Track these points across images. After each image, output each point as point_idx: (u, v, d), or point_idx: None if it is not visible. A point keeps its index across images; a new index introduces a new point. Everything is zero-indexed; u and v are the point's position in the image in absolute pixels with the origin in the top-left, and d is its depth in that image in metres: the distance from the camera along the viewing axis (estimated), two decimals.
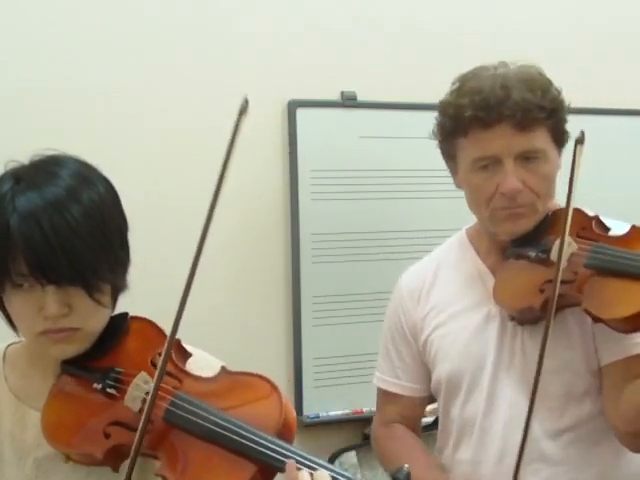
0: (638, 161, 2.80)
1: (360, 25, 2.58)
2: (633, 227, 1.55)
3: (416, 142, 2.61)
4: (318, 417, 2.54)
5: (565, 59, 2.61)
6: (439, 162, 2.62)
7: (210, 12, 2.45)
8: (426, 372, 1.73)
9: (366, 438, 2.63)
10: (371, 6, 2.60)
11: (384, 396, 1.78)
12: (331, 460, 2.51)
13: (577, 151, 1.40)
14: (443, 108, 1.61)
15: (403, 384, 1.74)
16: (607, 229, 1.56)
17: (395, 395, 1.75)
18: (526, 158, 1.52)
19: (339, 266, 2.56)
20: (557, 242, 1.50)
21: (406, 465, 1.13)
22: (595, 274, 1.48)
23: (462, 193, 2.51)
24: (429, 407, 1.82)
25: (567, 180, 1.43)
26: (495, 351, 1.60)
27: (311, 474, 1.11)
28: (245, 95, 1.17)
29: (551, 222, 1.58)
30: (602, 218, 1.58)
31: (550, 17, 2.73)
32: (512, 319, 1.58)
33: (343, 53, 2.56)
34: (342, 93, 2.56)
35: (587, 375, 1.56)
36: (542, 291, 1.50)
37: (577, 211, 1.51)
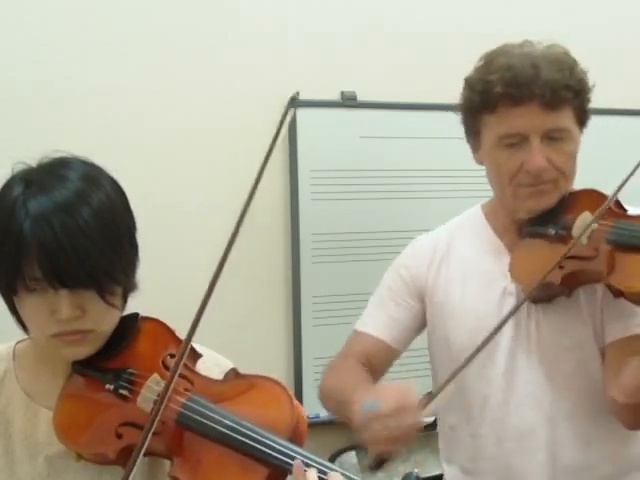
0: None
1: (360, 25, 2.59)
2: None
3: (416, 142, 2.62)
4: (318, 417, 2.54)
5: None
6: (439, 162, 2.64)
7: (211, 12, 2.45)
8: (413, 332, 1.74)
9: None
10: (371, 6, 2.60)
11: (358, 336, 1.75)
12: (331, 460, 2.51)
13: None
14: (470, 84, 1.61)
15: (384, 330, 1.72)
16: (625, 210, 1.58)
17: (370, 336, 1.72)
18: (552, 137, 1.55)
19: (339, 266, 2.57)
20: (580, 217, 1.53)
21: (416, 470, 1.12)
22: (617, 249, 1.49)
23: (462, 193, 2.53)
24: (427, 408, 1.82)
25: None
26: (512, 328, 1.61)
27: (323, 473, 1.11)
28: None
29: (568, 202, 1.60)
30: (621, 202, 1.59)
31: (550, 17, 2.73)
32: (530, 298, 1.59)
33: (343, 53, 2.56)
34: (342, 93, 2.56)
35: (597, 353, 1.59)
36: (562, 267, 1.51)
37: (596, 193, 1.55)
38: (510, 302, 1.62)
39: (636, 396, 1.46)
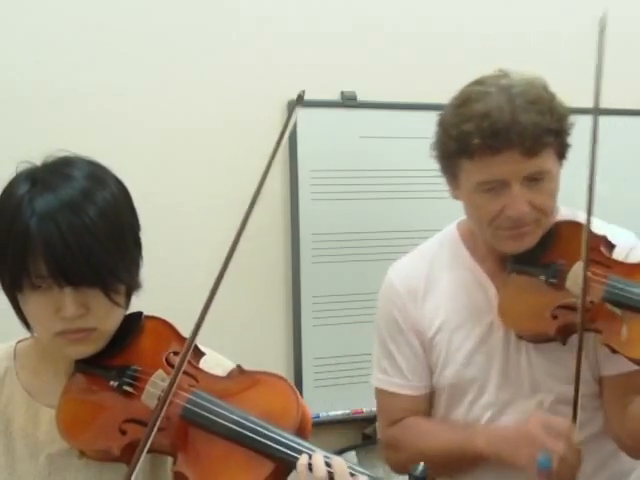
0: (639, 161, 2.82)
1: (360, 25, 2.59)
2: None
3: (416, 142, 2.61)
4: (318, 417, 2.54)
5: (565, 59, 2.62)
6: None
7: (210, 12, 2.45)
8: (428, 368, 1.70)
9: (366, 438, 2.64)
10: (371, 6, 2.60)
11: (388, 397, 1.71)
12: None
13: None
14: (445, 128, 1.54)
15: (413, 384, 1.68)
16: (612, 247, 1.55)
17: (401, 395, 1.69)
18: (532, 179, 1.50)
19: (339, 266, 2.56)
20: (573, 269, 1.49)
21: (422, 462, 1.12)
22: (612, 306, 1.47)
23: None
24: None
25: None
26: (500, 362, 1.60)
27: (327, 464, 1.12)
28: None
29: (554, 237, 1.57)
30: (609, 237, 1.55)
31: (550, 17, 2.73)
32: (520, 338, 1.58)
33: (343, 53, 2.56)
34: (342, 93, 2.56)
35: (592, 382, 1.58)
36: (555, 317, 1.50)
37: (580, 227, 1.47)
38: (498, 336, 1.60)
39: None
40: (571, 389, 1.50)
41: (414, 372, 1.68)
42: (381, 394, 1.73)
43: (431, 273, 1.68)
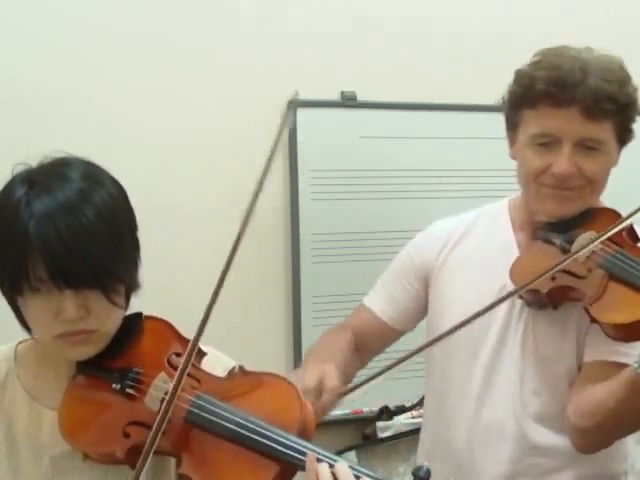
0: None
1: (360, 25, 2.58)
2: None
3: (416, 142, 2.62)
4: None
5: None
6: (439, 162, 2.64)
7: (210, 12, 2.45)
8: (414, 315, 1.76)
9: (366, 438, 2.64)
10: (371, 6, 2.60)
11: (360, 308, 1.80)
12: None
13: None
14: (518, 76, 1.59)
15: (386, 308, 1.75)
16: (637, 239, 1.56)
17: (370, 310, 1.77)
18: (586, 146, 1.52)
19: (339, 266, 2.57)
20: (583, 235, 1.52)
21: (426, 463, 1.13)
22: (607, 277, 1.48)
23: (463, 193, 2.53)
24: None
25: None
26: (501, 325, 1.62)
27: (331, 466, 1.12)
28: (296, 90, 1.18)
29: (587, 217, 1.58)
30: (635, 227, 1.57)
31: (550, 17, 2.73)
32: (521, 297, 1.60)
33: (343, 53, 2.56)
34: (342, 93, 2.56)
35: (574, 371, 1.58)
36: (553, 279, 1.51)
37: (617, 215, 1.52)
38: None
39: (587, 420, 1.48)
40: (549, 368, 1.56)
41: (398, 301, 1.75)
42: (360, 307, 1.81)
43: (469, 230, 1.73)
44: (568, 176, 1.52)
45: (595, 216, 1.58)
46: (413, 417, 2.60)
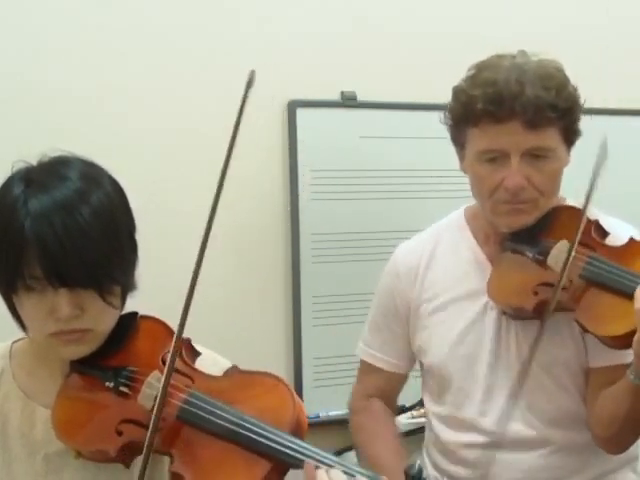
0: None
1: (360, 25, 2.58)
2: (631, 240, 1.54)
3: (416, 142, 2.62)
4: (318, 417, 2.54)
5: (566, 59, 2.61)
6: (438, 162, 2.64)
7: (210, 12, 2.45)
8: (411, 352, 1.76)
9: None
10: (371, 6, 2.60)
11: (367, 368, 1.80)
12: None
13: (598, 164, 1.37)
14: (456, 94, 1.57)
15: (390, 360, 1.76)
16: (605, 234, 1.56)
17: (379, 369, 1.77)
18: (534, 155, 1.51)
19: (339, 266, 2.57)
20: (557, 246, 1.51)
21: (418, 461, 1.13)
22: (589, 285, 1.48)
23: (462, 193, 2.52)
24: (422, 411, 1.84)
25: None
26: (492, 342, 1.61)
27: (327, 471, 1.12)
28: (252, 69, 1.18)
29: (550, 220, 1.57)
30: (601, 222, 1.56)
31: (550, 17, 2.73)
32: (504, 313, 1.60)
33: (343, 53, 2.56)
34: (342, 93, 2.56)
35: (579, 372, 1.59)
36: (536, 293, 1.51)
37: (579, 212, 1.48)
38: (492, 316, 1.62)
39: (611, 429, 1.49)
40: (550, 375, 1.56)
41: (394, 349, 1.75)
42: (361, 364, 1.83)
43: (434, 251, 1.71)
44: (520, 189, 1.50)
45: (556, 217, 1.57)
46: (413, 417, 2.60)
